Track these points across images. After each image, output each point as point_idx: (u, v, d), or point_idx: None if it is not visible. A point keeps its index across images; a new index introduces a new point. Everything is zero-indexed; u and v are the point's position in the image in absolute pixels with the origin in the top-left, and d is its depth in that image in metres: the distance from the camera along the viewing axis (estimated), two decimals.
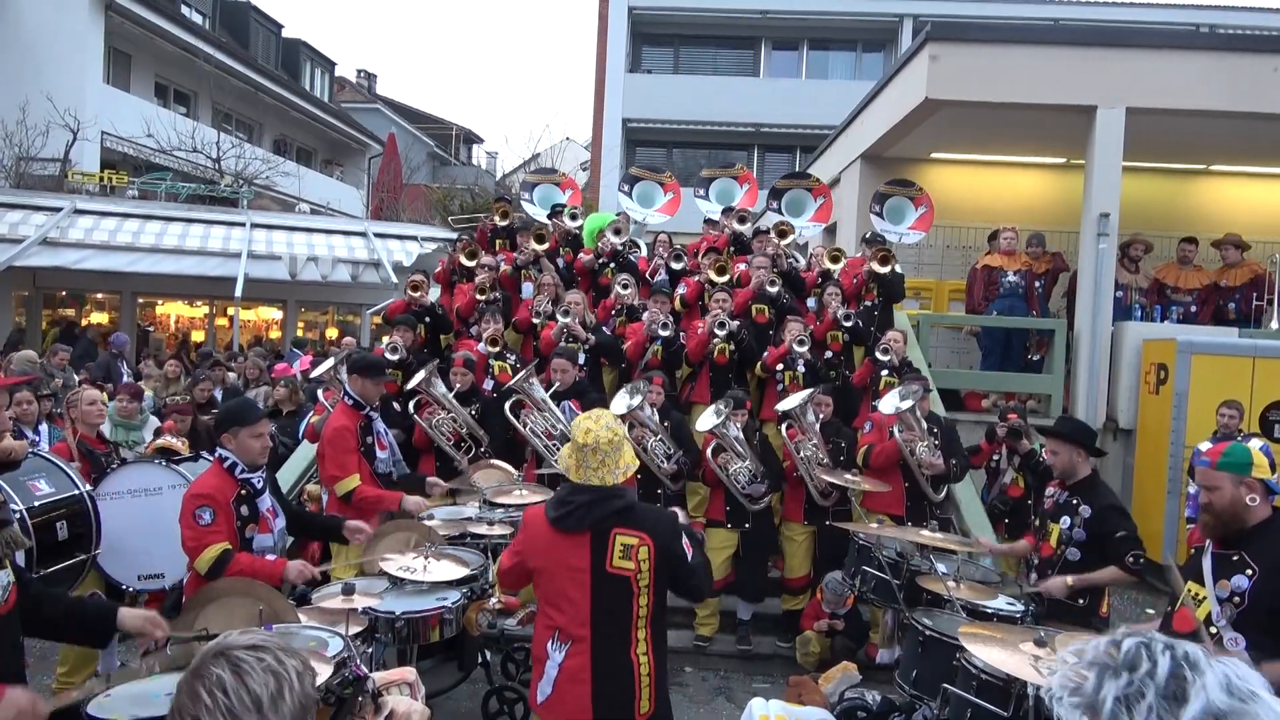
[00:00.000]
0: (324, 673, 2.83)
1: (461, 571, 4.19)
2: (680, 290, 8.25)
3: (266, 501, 4.01)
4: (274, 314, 17.93)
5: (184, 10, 22.45)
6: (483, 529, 4.96)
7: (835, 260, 8.47)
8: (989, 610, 4.24)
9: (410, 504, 5.04)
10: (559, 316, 7.42)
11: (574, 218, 9.32)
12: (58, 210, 14.46)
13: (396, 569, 4.11)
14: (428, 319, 8.09)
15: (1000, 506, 6.91)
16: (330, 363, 7.06)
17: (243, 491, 3.86)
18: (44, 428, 5.83)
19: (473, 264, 8.79)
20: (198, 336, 17.12)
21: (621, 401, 6.02)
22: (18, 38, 18.79)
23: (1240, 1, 23.60)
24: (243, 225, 15.30)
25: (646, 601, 3.05)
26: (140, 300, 16.73)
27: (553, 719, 3.09)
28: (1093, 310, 9.13)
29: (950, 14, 19.85)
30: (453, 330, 8.35)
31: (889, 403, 5.89)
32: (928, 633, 3.89)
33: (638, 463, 3.21)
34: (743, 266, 8.37)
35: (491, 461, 6.23)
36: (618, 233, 8.67)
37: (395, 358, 7.11)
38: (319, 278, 15.11)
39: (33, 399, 5.69)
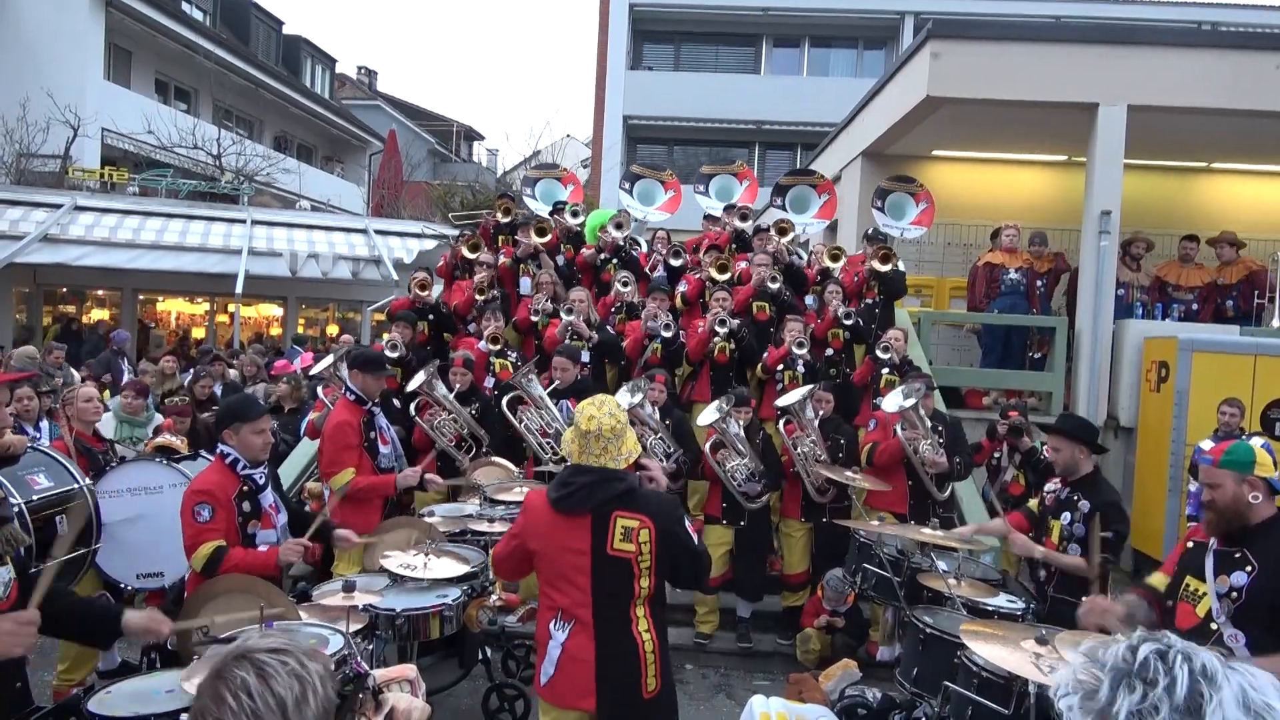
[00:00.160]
0: None
1: (462, 569, 4.20)
2: (681, 288, 8.24)
3: (269, 497, 4.00)
4: (275, 311, 17.93)
5: (184, 7, 22.44)
6: (483, 526, 4.96)
7: (835, 259, 8.46)
8: (990, 608, 4.23)
9: (403, 478, 5.14)
10: (563, 314, 7.42)
11: (576, 215, 9.30)
12: (58, 207, 14.45)
13: (397, 566, 4.11)
14: (431, 316, 8.09)
15: (1001, 504, 6.90)
16: (330, 359, 7.05)
17: (244, 488, 3.86)
18: (45, 424, 5.82)
19: (474, 256, 8.78)
20: (198, 333, 17.12)
21: (622, 399, 6.01)
22: (18, 35, 18.78)
23: None
24: (243, 222, 15.29)
25: (648, 584, 3.06)
26: (141, 297, 16.72)
27: (556, 700, 3.09)
28: (1094, 308, 9.12)
29: (952, 11, 19.81)
30: (456, 328, 8.34)
31: (893, 400, 5.88)
32: (928, 630, 3.89)
33: (640, 449, 3.22)
34: (744, 264, 8.36)
35: (492, 459, 6.23)
36: (619, 227, 8.65)
37: (395, 355, 7.11)
38: (319, 274, 15.10)
39: (34, 395, 5.69)
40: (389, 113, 32.62)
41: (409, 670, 3.33)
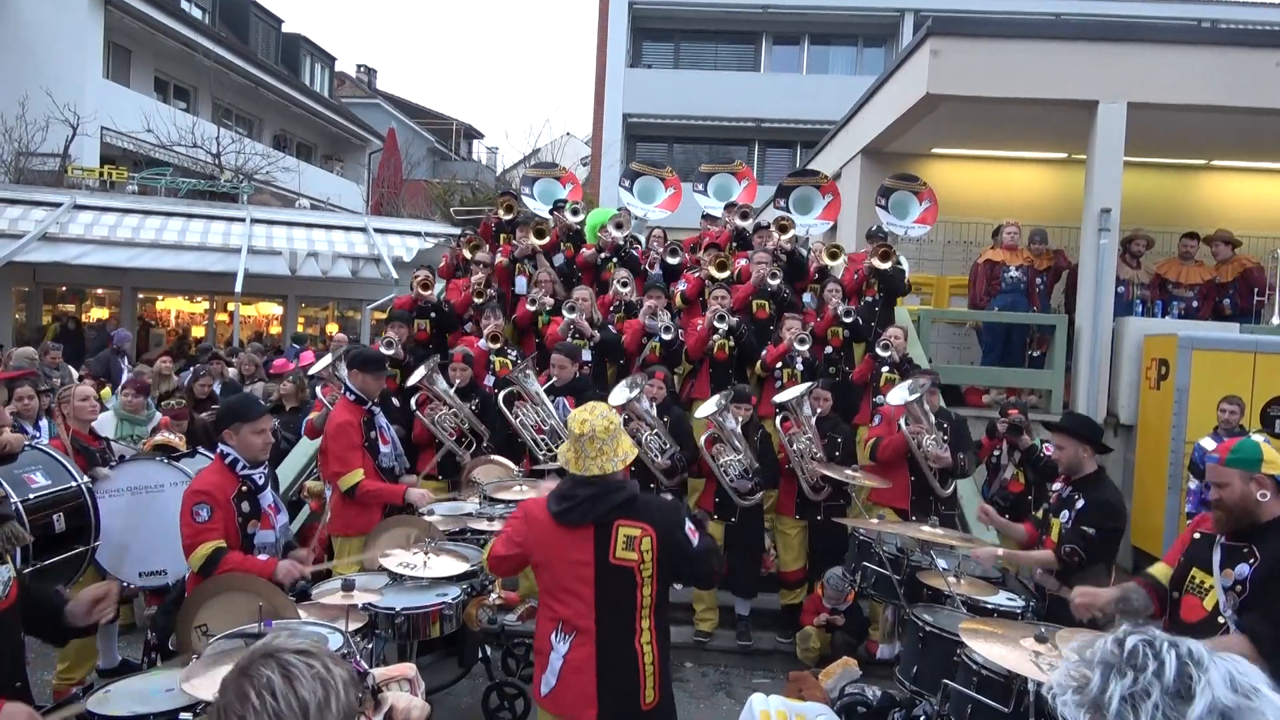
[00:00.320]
0: None
1: (461, 567, 4.19)
2: (681, 287, 8.23)
3: (268, 497, 4.01)
4: (274, 309, 17.91)
5: (184, 5, 22.41)
6: (483, 524, 4.95)
7: (834, 257, 8.45)
8: (989, 606, 4.23)
9: (414, 496, 5.04)
10: (565, 312, 7.42)
11: (575, 213, 9.30)
12: (57, 206, 14.43)
13: (396, 565, 4.11)
14: (433, 314, 8.09)
15: (1000, 502, 6.90)
16: (328, 359, 7.04)
17: (244, 488, 3.86)
18: (44, 423, 5.82)
19: (475, 257, 8.78)
20: (198, 332, 17.10)
21: (620, 394, 6.01)
22: (18, 33, 18.76)
23: None
24: (243, 220, 15.27)
25: (650, 592, 3.06)
26: (140, 295, 16.71)
27: (557, 710, 3.09)
28: (1094, 306, 9.12)
29: (951, 8, 19.73)
30: (458, 327, 8.34)
31: (898, 394, 5.87)
32: (928, 628, 3.89)
33: (636, 451, 3.22)
34: (743, 262, 8.35)
35: (491, 457, 6.23)
36: (619, 227, 8.65)
37: (390, 353, 7.09)
38: (319, 273, 15.08)
39: (33, 394, 5.68)
40: (388, 111, 32.59)
41: (408, 669, 3.33)
